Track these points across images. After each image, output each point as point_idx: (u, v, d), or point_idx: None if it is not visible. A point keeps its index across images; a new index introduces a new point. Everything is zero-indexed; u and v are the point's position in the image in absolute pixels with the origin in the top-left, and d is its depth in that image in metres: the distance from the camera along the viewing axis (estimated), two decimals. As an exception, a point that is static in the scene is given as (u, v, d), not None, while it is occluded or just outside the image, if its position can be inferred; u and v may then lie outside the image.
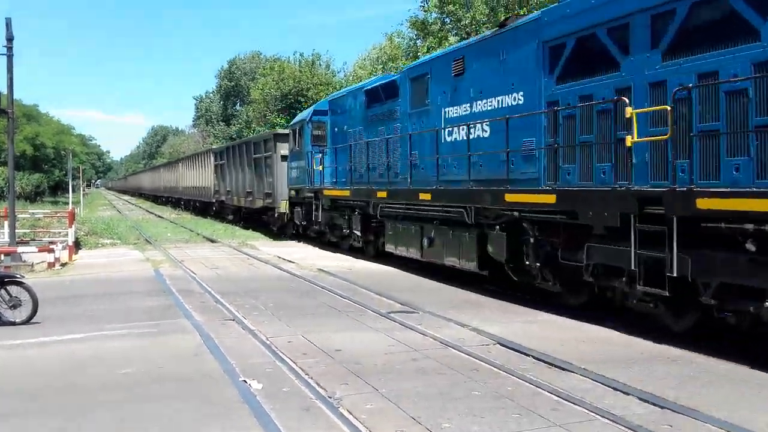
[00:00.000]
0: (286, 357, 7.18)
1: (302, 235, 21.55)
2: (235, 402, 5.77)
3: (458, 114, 11.96)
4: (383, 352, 7.40)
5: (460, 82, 11.86)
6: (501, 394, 5.89)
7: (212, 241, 22.62)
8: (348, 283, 12.51)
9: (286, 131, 23.24)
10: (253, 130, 46.95)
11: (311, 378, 6.42)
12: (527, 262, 10.08)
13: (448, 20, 32.87)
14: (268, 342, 7.90)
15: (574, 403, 5.62)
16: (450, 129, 12.13)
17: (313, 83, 41.96)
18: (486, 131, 11.10)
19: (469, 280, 12.19)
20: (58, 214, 29.31)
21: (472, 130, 11.39)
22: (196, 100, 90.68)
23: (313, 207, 18.83)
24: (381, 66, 37.40)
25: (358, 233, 16.45)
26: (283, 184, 22.44)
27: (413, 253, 13.44)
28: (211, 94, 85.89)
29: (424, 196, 12.43)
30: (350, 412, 5.45)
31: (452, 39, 30.75)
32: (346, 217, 17.09)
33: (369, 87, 16.34)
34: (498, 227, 10.54)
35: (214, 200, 34.49)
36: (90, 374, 6.76)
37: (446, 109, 12.33)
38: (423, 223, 12.93)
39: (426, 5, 33.77)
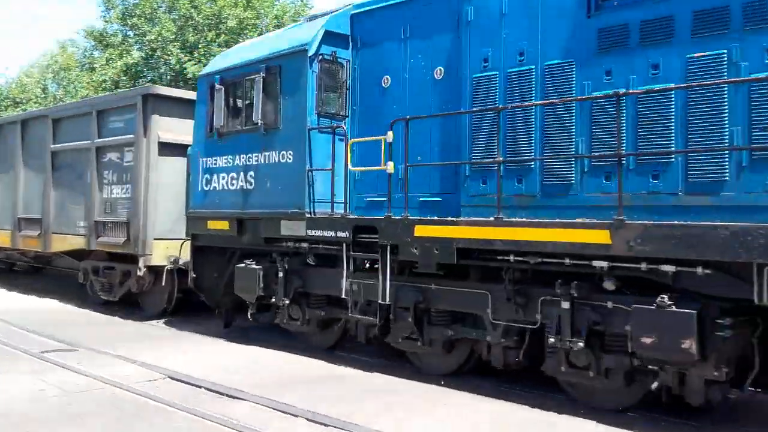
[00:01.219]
0: None
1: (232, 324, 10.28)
2: None
3: None
4: (30, 399, 6.40)
5: None
6: (167, 432, 5.51)
7: None
8: (-3, 321, 10.71)
9: (184, 93, 11.87)
10: None
11: (-75, 441, 5.23)
12: None
13: (131, 33, 31.04)
14: None
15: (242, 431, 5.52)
16: None
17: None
18: None
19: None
20: None
21: None
22: None
23: (344, 264, 7.87)
24: (52, 75, 33.66)
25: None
26: (158, 205, 11.17)
27: None
28: None
29: None
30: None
31: (136, 54, 29.14)
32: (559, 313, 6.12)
33: None
34: None
35: None
36: None
37: None
38: None
39: (108, 15, 31.46)
